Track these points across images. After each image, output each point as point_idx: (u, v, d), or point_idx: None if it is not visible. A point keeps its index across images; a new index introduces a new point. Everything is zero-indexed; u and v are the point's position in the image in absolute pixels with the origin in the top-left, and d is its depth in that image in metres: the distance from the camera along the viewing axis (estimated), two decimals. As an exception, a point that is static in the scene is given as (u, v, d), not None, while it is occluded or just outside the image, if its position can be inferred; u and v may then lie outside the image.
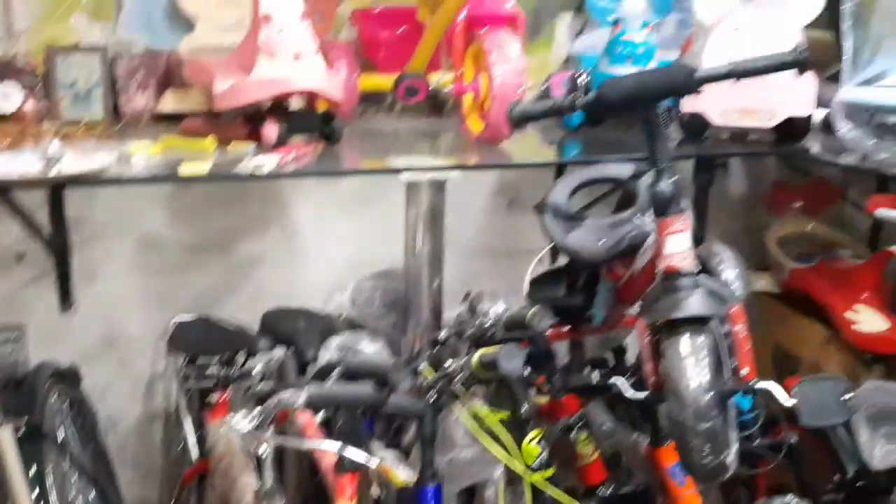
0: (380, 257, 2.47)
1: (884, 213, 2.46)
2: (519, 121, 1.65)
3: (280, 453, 2.22)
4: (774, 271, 2.86)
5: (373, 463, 1.54)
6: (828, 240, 2.89)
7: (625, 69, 2.20)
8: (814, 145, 2.31)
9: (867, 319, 2.50)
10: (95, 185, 2.05)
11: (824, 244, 2.87)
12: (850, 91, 2.08)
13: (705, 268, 1.88)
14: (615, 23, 2.31)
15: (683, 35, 2.65)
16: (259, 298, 2.53)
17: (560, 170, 2.46)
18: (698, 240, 2.79)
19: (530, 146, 2.48)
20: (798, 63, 1.51)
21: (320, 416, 1.67)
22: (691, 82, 1.53)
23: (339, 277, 2.53)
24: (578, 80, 1.60)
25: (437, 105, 2.61)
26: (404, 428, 2.07)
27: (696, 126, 2.24)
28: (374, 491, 1.89)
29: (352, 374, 1.55)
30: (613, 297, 1.94)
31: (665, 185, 1.55)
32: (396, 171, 1.97)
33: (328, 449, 1.51)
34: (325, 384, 1.51)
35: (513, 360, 1.49)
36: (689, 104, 2.19)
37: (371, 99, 2.64)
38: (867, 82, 2.08)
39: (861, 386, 2.23)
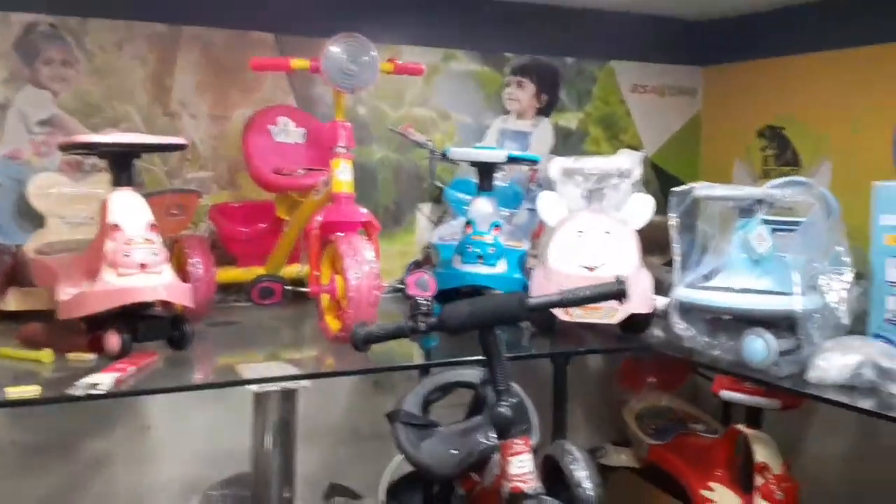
0: (233, 450, 2.38)
1: (727, 395, 2.58)
2: (363, 343, 1.66)
3: None
4: (634, 446, 2.93)
5: None
6: (683, 414, 3.00)
7: (475, 268, 2.29)
8: (657, 335, 2.43)
9: (722, 497, 2.58)
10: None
11: (680, 419, 2.98)
12: (681, 291, 2.22)
13: (557, 467, 1.91)
14: (467, 223, 2.41)
15: (535, 222, 2.79)
16: (108, 497, 2.38)
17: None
18: (559, 425, 2.86)
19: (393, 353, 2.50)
20: (619, 294, 1.61)
21: None
22: (522, 311, 1.59)
23: (193, 475, 2.42)
24: (421, 306, 1.64)
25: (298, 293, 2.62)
26: None
27: (545, 321, 2.33)
28: None
29: None
30: (466, 506, 1.92)
31: (504, 408, 1.58)
32: (245, 382, 1.93)
33: None
34: None
35: None
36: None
37: (231, 288, 2.63)
38: (697, 283, 2.23)
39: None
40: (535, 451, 1.69)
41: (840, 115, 2.80)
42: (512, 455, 1.56)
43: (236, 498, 2.20)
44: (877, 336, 2.10)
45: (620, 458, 2.94)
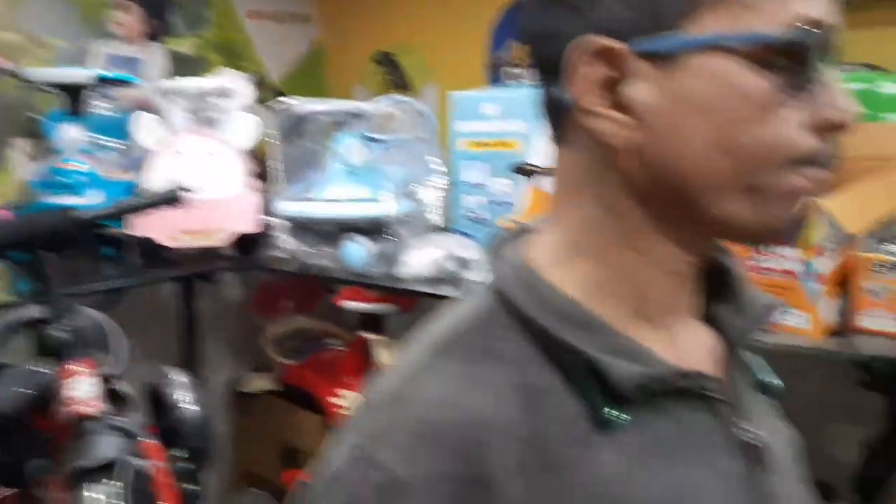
0: None
1: (348, 304, 2.72)
2: None
3: None
4: (275, 371, 2.98)
5: None
6: (320, 332, 3.10)
7: (62, 199, 2.14)
8: (268, 255, 2.46)
9: (349, 402, 2.72)
10: None
11: (316, 337, 3.08)
12: (284, 205, 2.26)
13: (158, 394, 1.87)
14: (54, 152, 2.24)
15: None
16: None
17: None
18: (191, 357, 2.81)
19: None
20: (172, 200, 1.59)
21: None
22: (72, 224, 1.52)
23: None
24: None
25: None
26: None
27: (150, 249, 2.26)
28: None
29: None
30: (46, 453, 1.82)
31: (58, 331, 1.50)
32: None
33: None
34: None
35: None
36: (138, 228, 2.20)
37: None
38: (298, 196, 2.29)
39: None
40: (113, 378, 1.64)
41: (443, 41, 2.99)
42: (69, 378, 1.49)
43: None
44: (457, 231, 2.31)
45: (260, 383, 2.98)
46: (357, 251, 2.22)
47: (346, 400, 2.72)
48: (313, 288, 3.14)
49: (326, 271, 2.31)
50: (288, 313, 3.07)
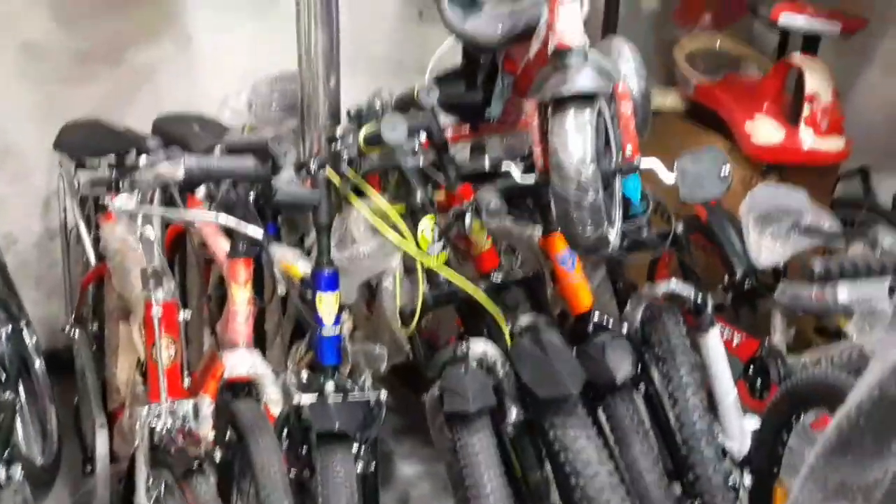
0: (278, 64, 2.38)
1: (787, 18, 2.48)
2: None
3: (182, 266, 2.21)
4: (681, 86, 2.87)
5: (274, 251, 1.54)
6: (736, 55, 2.90)
7: None
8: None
9: (765, 130, 2.56)
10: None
11: (732, 59, 2.89)
12: None
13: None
14: None
15: None
16: (153, 108, 2.42)
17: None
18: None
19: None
20: None
21: (202, 192, 1.64)
22: None
23: (236, 85, 2.44)
24: None
25: None
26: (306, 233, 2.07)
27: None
28: (280, 289, 1.92)
29: (232, 152, 1.51)
30: (511, 91, 1.92)
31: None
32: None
33: (216, 221, 1.50)
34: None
35: (395, 130, 1.47)
36: None
37: None
38: None
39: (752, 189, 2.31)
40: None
41: None
42: (560, 5, 1.50)
43: (285, 90, 2.22)
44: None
45: (666, 99, 2.89)
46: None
47: (759, 126, 2.56)
48: (736, 2, 2.90)
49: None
50: (705, 29, 2.89)
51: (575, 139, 1.47)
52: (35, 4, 2.45)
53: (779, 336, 2.22)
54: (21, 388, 2.24)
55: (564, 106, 1.50)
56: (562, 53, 1.52)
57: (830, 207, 2.50)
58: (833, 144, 2.49)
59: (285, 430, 1.63)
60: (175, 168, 1.35)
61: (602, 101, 1.53)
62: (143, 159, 1.77)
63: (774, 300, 2.17)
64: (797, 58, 2.53)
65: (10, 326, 2.21)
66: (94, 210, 2.22)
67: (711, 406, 1.96)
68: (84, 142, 2.16)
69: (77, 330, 2.25)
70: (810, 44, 2.55)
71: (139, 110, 2.54)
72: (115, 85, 2.57)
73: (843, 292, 1.92)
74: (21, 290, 2.36)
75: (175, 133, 2.11)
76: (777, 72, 2.62)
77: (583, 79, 1.49)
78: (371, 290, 1.98)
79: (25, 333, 2.26)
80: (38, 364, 2.27)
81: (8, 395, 1.99)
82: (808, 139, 2.46)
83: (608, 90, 1.54)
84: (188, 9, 2.58)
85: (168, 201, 1.86)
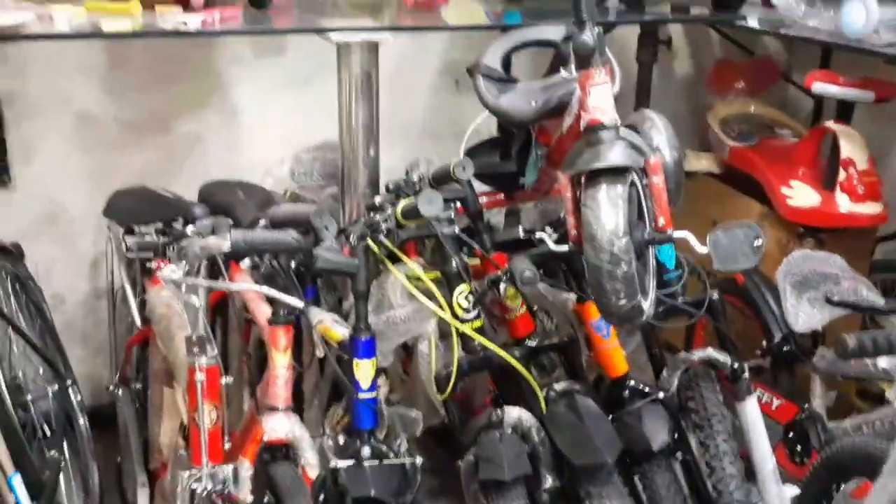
0: (318, 134, 2.46)
1: (819, 87, 2.50)
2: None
3: (224, 328, 2.27)
4: (716, 151, 2.89)
5: (312, 314, 1.58)
6: (769, 120, 2.92)
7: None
8: (751, 18, 2.32)
9: (801, 194, 2.56)
10: (13, 41, 1.99)
11: (766, 124, 2.91)
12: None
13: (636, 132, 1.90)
14: None
15: None
16: (198, 176, 2.51)
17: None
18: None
19: (469, 14, 2.45)
20: None
21: (246, 263, 1.70)
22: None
23: (278, 155, 2.52)
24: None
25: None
26: (344, 297, 2.12)
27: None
28: (318, 352, 1.96)
29: (276, 225, 1.57)
30: (545, 161, 1.96)
31: (587, 36, 1.55)
32: (325, 30, 1.94)
33: (259, 291, 1.55)
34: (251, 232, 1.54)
35: (431, 204, 1.52)
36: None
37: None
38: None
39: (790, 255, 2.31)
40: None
41: None
42: (592, 86, 1.55)
43: (325, 160, 2.29)
44: None
45: (701, 162, 2.92)
46: (859, 13, 1.99)
47: (796, 191, 2.57)
48: (770, 69, 2.94)
49: (817, 35, 2.12)
50: (738, 94, 2.93)
51: (608, 212, 1.50)
52: (90, 78, 2.57)
53: (818, 401, 2.20)
54: (65, 445, 2.30)
55: (597, 179, 1.53)
56: (594, 129, 1.57)
57: (869, 270, 2.49)
58: (870, 209, 2.48)
59: (322, 495, 1.65)
60: (222, 241, 1.41)
61: (634, 174, 1.57)
62: (190, 228, 1.84)
63: (813, 365, 2.16)
64: (831, 124, 2.55)
65: (56, 385, 2.27)
66: (139, 273, 2.29)
67: (750, 473, 1.95)
68: (133, 209, 2.25)
69: (121, 389, 2.30)
70: (845, 110, 2.57)
71: (185, 178, 2.64)
72: (163, 153, 2.67)
73: (884, 360, 1.91)
74: (67, 347, 2.43)
75: (220, 200, 2.18)
76: (812, 137, 2.63)
77: (615, 153, 1.53)
78: (407, 350, 2.02)
79: (71, 392, 2.32)
80: (83, 422, 2.33)
81: (54, 453, 2.05)
82: (845, 204, 2.47)
83: (640, 164, 1.57)
84: (233, 83, 2.69)
85: (213, 267, 1.92)
